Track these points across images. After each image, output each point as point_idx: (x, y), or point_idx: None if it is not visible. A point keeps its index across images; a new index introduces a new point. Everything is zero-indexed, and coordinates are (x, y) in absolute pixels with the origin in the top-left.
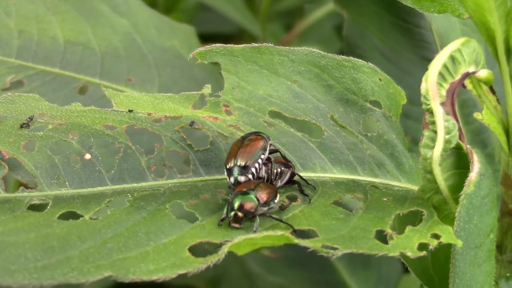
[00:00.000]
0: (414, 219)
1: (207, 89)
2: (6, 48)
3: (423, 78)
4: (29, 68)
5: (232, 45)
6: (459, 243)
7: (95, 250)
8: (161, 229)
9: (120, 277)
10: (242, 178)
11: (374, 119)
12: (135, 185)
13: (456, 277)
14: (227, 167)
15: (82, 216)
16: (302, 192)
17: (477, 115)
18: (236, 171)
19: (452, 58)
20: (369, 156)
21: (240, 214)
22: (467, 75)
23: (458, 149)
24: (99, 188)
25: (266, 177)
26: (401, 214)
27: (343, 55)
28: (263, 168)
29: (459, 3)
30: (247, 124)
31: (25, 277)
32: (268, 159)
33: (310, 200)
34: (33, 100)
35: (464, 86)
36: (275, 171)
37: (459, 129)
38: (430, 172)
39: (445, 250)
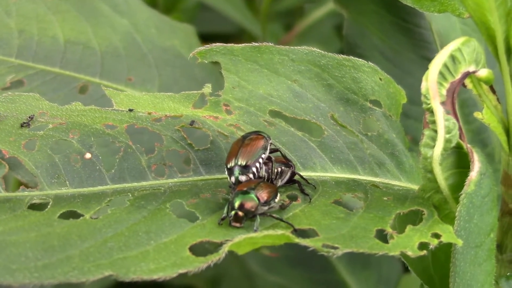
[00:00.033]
0: (414, 218)
1: (207, 89)
2: (6, 48)
3: (424, 77)
4: (29, 68)
5: (233, 44)
6: (459, 242)
7: (96, 249)
8: (161, 228)
9: (121, 276)
10: (243, 178)
11: (374, 119)
12: (135, 184)
13: (457, 276)
14: (228, 166)
15: (82, 215)
16: (302, 191)
17: (477, 115)
18: (237, 170)
19: (453, 57)
20: (369, 155)
21: (240, 213)
22: (467, 74)
23: (458, 148)
24: (100, 188)
25: (266, 176)
26: (401, 214)
27: (343, 54)
28: (264, 167)
29: (459, 3)
30: (248, 124)
31: (26, 276)
32: (269, 158)
33: (310, 199)
34: (33, 99)
35: (464, 86)
36: (275, 170)
37: (460, 128)
38: (431, 171)
39: (446, 250)
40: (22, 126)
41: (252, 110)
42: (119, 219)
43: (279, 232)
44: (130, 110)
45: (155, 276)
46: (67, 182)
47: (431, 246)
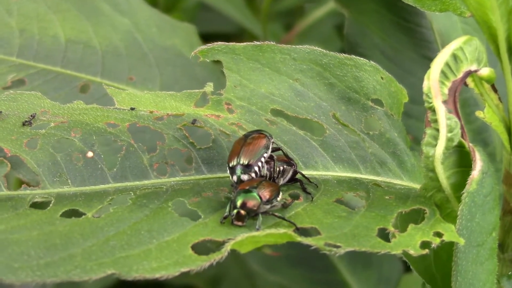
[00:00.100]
0: (416, 217)
1: (209, 87)
2: (7, 47)
3: (426, 76)
4: (30, 67)
5: (234, 43)
6: (461, 241)
7: (98, 248)
8: (163, 227)
9: (123, 275)
10: (245, 177)
11: (376, 118)
12: (137, 183)
13: (459, 275)
14: (230, 165)
15: (84, 214)
16: (304, 190)
17: (479, 114)
18: (239, 169)
19: (454, 56)
20: (371, 154)
21: (242, 212)
22: (469, 73)
23: (460, 147)
24: (102, 186)
25: (268, 175)
26: (403, 212)
27: (344, 53)
28: (266, 166)
29: (460, 2)
30: (249, 122)
31: (28, 275)
32: (271, 157)
33: (312, 198)
34: (35, 98)
35: (466, 85)
36: (277, 169)
37: (461, 127)
38: (432, 170)
39: (448, 248)
40: (24, 124)
41: (254, 109)
42: (121, 218)
43: (281, 230)
44: (132, 109)
45: (157, 275)
46: (69, 181)
47: (433, 245)
